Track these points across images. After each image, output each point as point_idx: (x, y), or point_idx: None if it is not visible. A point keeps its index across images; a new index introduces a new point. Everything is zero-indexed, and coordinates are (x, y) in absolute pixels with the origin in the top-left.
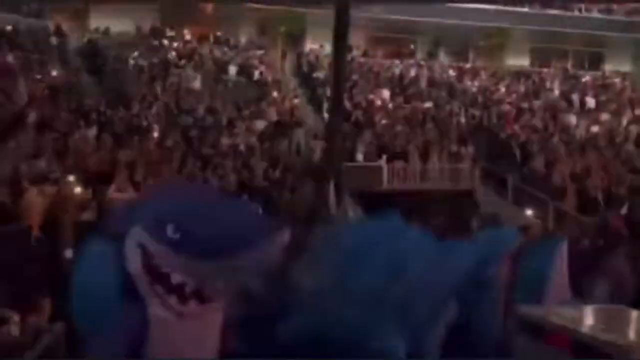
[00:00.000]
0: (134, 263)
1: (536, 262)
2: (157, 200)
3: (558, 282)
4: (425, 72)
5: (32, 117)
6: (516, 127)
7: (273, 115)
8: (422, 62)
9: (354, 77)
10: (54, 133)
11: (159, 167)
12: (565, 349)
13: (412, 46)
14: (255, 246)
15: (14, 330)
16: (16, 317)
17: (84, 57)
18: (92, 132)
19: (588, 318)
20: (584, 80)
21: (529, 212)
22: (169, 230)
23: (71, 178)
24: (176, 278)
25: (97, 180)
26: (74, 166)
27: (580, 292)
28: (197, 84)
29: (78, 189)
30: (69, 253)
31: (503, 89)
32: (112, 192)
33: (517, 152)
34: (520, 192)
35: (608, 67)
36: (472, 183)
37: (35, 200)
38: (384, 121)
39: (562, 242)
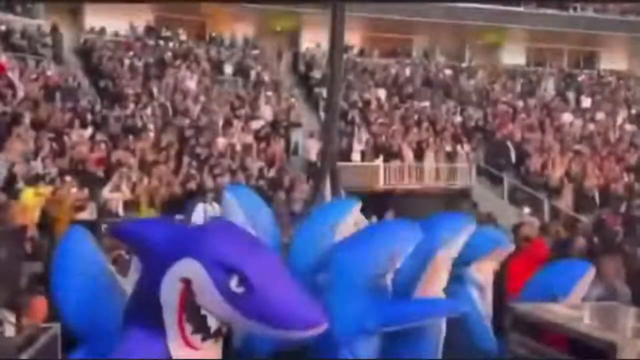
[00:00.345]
0: (171, 294)
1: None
2: (222, 241)
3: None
4: (420, 72)
5: (27, 116)
6: (512, 126)
7: (269, 115)
8: (417, 62)
9: (350, 76)
10: (49, 133)
11: (154, 168)
12: (561, 347)
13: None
14: (313, 327)
15: (9, 331)
16: (12, 318)
17: (79, 57)
18: (88, 132)
19: (583, 315)
20: (579, 79)
21: (524, 210)
22: (233, 282)
23: (67, 178)
24: (212, 322)
25: (93, 180)
26: (69, 166)
27: None
28: (192, 84)
29: (74, 189)
30: None
31: (498, 88)
32: (107, 192)
33: (513, 151)
34: (516, 191)
35: (603, 66)
36: (468, 182)
37: (32, 200)
38: (380, 120)
39: (587, 269)
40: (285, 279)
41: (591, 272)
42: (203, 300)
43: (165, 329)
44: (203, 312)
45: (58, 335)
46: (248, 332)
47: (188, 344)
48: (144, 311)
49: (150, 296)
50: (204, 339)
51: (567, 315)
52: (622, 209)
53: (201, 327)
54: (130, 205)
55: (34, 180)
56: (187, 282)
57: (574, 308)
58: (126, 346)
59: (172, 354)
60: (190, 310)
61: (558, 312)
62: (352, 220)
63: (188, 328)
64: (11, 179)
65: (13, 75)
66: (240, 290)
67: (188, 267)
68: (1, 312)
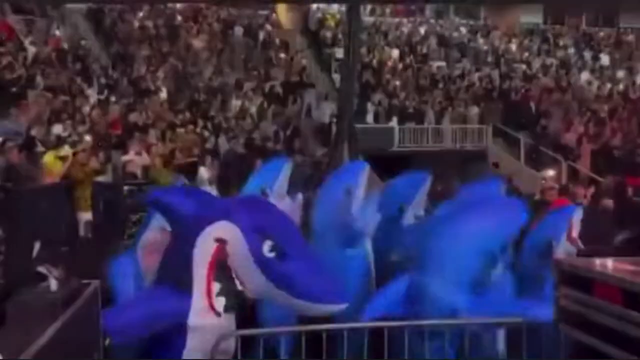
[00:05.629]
0: (204, 253)
1: (549, 227)
2: (260, 208)
3: (567, 247)
4: (435, 31)
5: (40, 80)
6: (529, 86)
7: (281, 77)
8: (432, 21)
9: (362, 36)
10: (64, 96)
11: (170, 130)
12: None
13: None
14: (335, 304)
15: (54, 286)
16: (56, 273)
17: (88, 19)
18: (101, 95)
19: (636, 268)
20: (598, 37)
21: (542, 171)
22: (266, 246)
23: (87, 138)
24: (238, 286)
25: (109, 143)
26: (86, 129)
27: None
28: (203, 45)
29: (93, 152)
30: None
31: (515, 47)
32: (126, 155)
33: (531, 111)
34: (533, 151)
35: (622, 24)
36: (485, 143)
37: (54, 163)
38: (396, 82)
39: (577, 210)
40: (312, 254)
41: (579, 212)
42: (235, 262)
43: (193, 289)
44: (229, 273)
45: (98, 290)
46: (270, 303)
47: (212, 307)
48: (175, 271)
49: (182, 257)
50: (226, 309)
51: (621, 268)
52: None
53: (228, 289)
54: (148, 167)
55: (53, 143)
56: (222, 243)
57: (625, 262)
58: (152, 303)
59: (193, 319)
60: (221, 270)
61: (609, 265)
62: (364, 182)
63: (215, 287)
64: (29, 142)
65: (24, 38)
66: (271, 255)
67: (225, 229)
68: (46, 267)
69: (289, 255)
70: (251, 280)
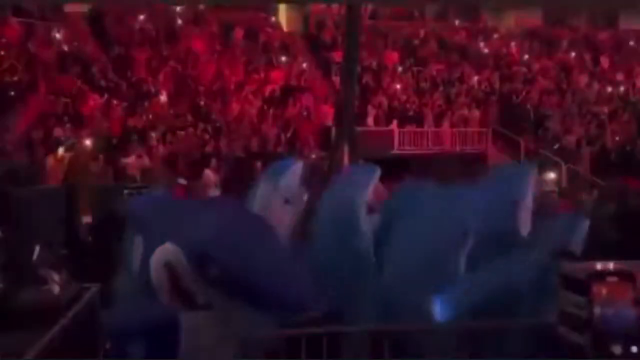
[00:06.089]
0: (160, 279)
1: (508, 186)
2: (196, 221)
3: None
4: (435, 34)
5: (42, 83)
6: (529, 89)
7: (280, 80)
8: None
9: (362, 39)
10: (64, 99)
11: (170, 133)
12: None
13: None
14: (295, 310)
15: (56, 289)
16: (57, 277)
17: (89, 22)
18: (102, 98)
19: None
20: (597, 39)
21: (541, 175)
22: (212, 267)
23: (87, 142)
24: (200, 299)
25: (109, 146)
26: (87, 132)
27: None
28: (202, 47)
29: (93, 155)
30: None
31: (515, 49)
32: (126, 158)
33: (530, 114)
34: (533, 154)
35: (622, 26)
36: (484, 146)
37: (54, 165)
38: (397, 85)
39: (532, 168)
40: (276, 265)
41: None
42: (188, 284)
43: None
44: (190, 289)
45: (97, 294)
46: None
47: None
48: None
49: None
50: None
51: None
52: None
53: (189, 301)
54: (148, 170)
55: (53, 145)
56: (171, 267)
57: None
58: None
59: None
60: (182, 290)
61: (609, 268)
62: (373, 188)
63: (180, 302)
64: (30, 144)
65: (26, 41)
66: (215, 272)
67: (168, 251)
68: (47, 271)
69: (235, 273)
70: (205, 298)
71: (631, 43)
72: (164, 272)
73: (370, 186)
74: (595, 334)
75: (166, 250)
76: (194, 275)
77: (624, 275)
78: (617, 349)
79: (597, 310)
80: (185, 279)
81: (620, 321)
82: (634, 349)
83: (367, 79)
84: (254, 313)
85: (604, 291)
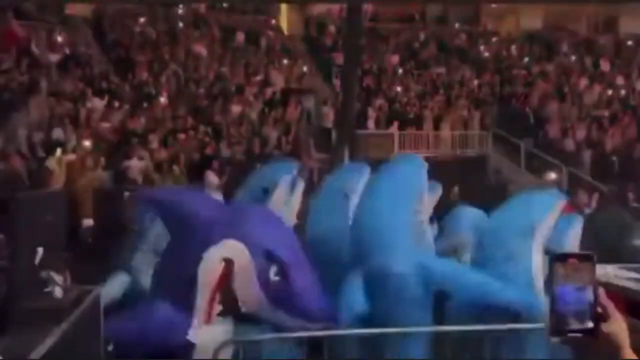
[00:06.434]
0: (210, 273)
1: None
2: (268, 229)
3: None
4: (435, 37)
5: (43, 85)
6: (529, 92)
7: (281, 82)
8: (432, 27)
9: (363, 42)
10: (66, 102)
11: (171, 136)
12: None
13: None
14: (328, 323)
15: (58, 292)
16: (59, 279)
17: (91, 25)
18: (103, 101)
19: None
20: (598, 43)
21: (542, 178)
22: (272, 271)
23: (87, 144)
24: (239, 308)
25: (110, 148)
26: (88, 135)
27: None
28: (204, 51)
29: (94, 158)
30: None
31: (515, 53)
32: (127, 161)
33: (531, 117)
34: (533, 158)
35: (623, 30)
36: (485, 149)
37: (55, 168)
38: (398, 88)
39: (578, 220)
40: (311, 275)
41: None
42: (238, 282)
43: (194, 304)
44: (234, 294)
45: (100, 296)
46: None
47: (208, 322)
48: (174, 284)
49: (182, 270)
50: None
51: (622, 276)
52: None
53: (230, 310)
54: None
55: (54, 148)
56: (229, 263)
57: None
58: (152, 318)
59: (193, 333)
60: (225, 292)
61: (610, 273)
62: (364, 185)
63: (217, 308)
64: (30, 147)
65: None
66: (275, 279)
67: (234, 250)
68: (49, 274)
69: (292, 277)
70: (252, 299)
71: (630, 44)
72: (218, 268)
73: (361, 182)
74: (555, 311)
75: (228, 247)
76: (254, 273)
77: (583, 257)
78: (574, 324)
79: (557, 289)
80: (240, 276)
81: (578, 299)
82: (590, 324)
83: (367, 81)
84: (286, 322)
85: (563, 271)
